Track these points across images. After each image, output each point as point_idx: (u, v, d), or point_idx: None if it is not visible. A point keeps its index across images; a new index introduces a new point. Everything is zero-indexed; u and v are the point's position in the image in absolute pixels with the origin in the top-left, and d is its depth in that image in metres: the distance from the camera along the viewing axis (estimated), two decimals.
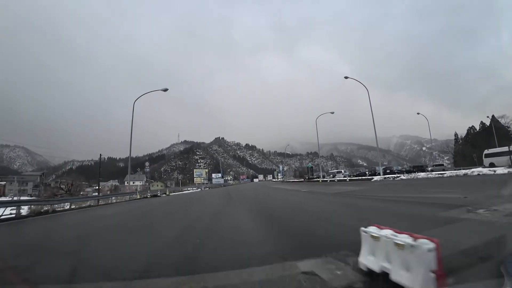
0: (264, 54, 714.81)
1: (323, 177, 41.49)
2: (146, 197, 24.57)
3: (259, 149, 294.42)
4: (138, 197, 23.77)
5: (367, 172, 40.73)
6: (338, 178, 33.50)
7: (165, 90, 25.85)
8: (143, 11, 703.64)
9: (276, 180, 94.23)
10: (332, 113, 35.78)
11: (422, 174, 19.77)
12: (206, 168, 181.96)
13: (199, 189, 41.06)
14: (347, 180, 29.31)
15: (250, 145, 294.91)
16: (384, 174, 25.16)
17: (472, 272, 1.86)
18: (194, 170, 54.78)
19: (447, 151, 54.06)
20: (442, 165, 36.86)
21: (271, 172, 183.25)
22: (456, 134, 61.61)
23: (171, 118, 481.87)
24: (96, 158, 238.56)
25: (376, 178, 22.92)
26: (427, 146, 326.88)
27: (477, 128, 57.11)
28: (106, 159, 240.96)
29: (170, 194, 30.13)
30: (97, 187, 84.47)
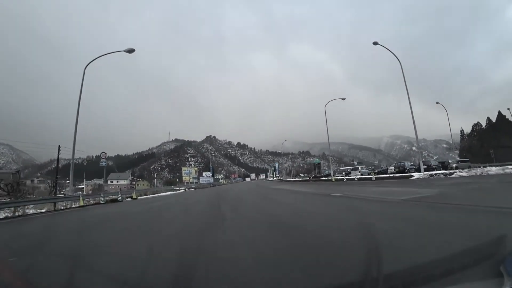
0: (254, 52, 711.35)
1: (331, 174, 35.58)
2: (99, 203, 17.11)
3: (251, 148, 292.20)
4: (82, 203, 15.50)
5: (389, 169, 35.89)
6: (356, 177, 27.04)
7: (130, 51, 20.03)
8: (127, 5, 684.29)
9: (272, 179, 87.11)
10: (343, 99, 31.88)
11: (494, 169, 15.49)
12: (197, 167, 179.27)
13: (182, 190, 34.25)
14: (373, 178, 22.94)
15: (241, 143, 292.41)
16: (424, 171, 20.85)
17: (471, 271, 1.78)
18: (183, 168, 51.27)
19: (454, 148, 53.33)
20: (468, 160, 31.96)
21: (263, 171, 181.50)
22: (462, 131, 60.21)
23: (161, 116, 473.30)
24: (85, 156, 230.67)
25: (416, 175, 18.63)
26: (417, 146, 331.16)
27: (483, 124, 56.02)
28: (94, 157, 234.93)
29: (138, 197, 22.63)
30: (79, 186, 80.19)
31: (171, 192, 30.53)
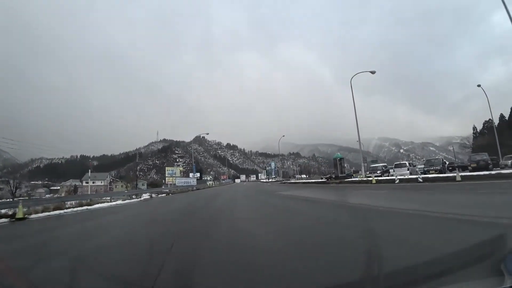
0: (243, 52, 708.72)
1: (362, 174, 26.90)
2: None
3: (241, 149, 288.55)
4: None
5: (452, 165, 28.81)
6: (399, 177, 18.14)
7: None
8: (113, 2, 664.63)
9: (267, 180, 77.75)
10: (373, 72, 25.81)
11: None
12: (184, 168, 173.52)
13: (145, 197, 23.53)
14: (458, 178, 13.69)
15: (231, 144, 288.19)
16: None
17: (472, 270, 1.79)
18: (166, 168, 46.45)
19: (467, 146, 51.78)
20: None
21: (253, 172, 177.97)
22: (474, 128, 58.34)
23: (150, 115, 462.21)
24: (68, 155, 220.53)
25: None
26: (404, 148, 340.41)
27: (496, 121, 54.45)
28: (78, 157, 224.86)
29: (30, 217, 11.08)
30: (55, 187, 74.04)
31: (117, 203, 18.37)
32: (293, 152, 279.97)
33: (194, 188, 37.18)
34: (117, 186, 53.79)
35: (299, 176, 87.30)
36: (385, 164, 32.87)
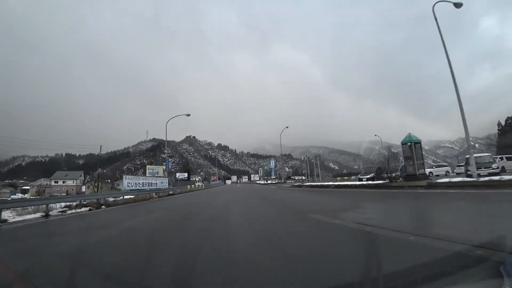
0: (235, 51, 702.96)
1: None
2: None
3: (232, 150, 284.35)
4: None
5: None
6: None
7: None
8: None
9: (264, 182, 60.46)
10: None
11: None
12: (175, 167, 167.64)
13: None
14: None
15: (222, 145, 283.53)
16: None
17: (471, 272, 1.81)
18: (147, 167, 40.88)
19: (492, 143, 49.02)
20: None
21: (244, 173, 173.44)
22: (499, 124, 55.49)
23: (139, 114, 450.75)
24: (53, 154, 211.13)
25: None
26: (395, 151, 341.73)
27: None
28: (63, 155, 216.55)
29: None
30: (25, 187, 67.98)
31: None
32: (285, 154, 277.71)
33: (168, 193, 25.79)
34: (89, 187, 48.28)
35: (299, 177, 70.72)
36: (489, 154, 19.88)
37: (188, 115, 31.56)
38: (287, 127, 47.33)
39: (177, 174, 71.21)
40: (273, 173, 72.44)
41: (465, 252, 2.34)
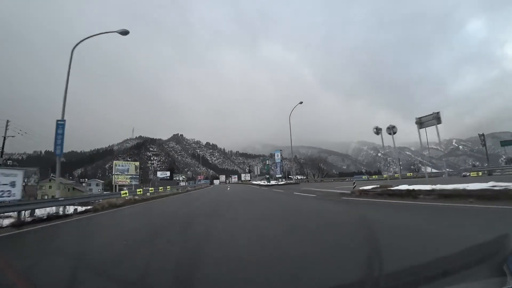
0: (225, 48, 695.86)
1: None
2: None
3: (220, 149, 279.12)
4: None
5: None
6: None
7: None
8: None
9: (266, 183, 38.95)
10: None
11: None
12: (160, 166, 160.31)
13: None
14: None
15: (211, 143, 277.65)
16: None
17: (474, 271, 1.75)
18: (114, 162, 33.77)
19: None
20: None
21: (233, 173, 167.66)
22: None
23: (126, 112, 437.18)
24: (31, 151, 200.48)
25: None
26: (382, 152, 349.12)
27: None
28: (42, 152, 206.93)
29: None
30: None
31: None
32: (274, 153, 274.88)
33: (99, 200, 16.03)
34: (44, 187, 42.22)
35: (297, 177, 57.86)
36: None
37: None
38: (301, 103, 33.19)
39: (158, 173, 66.10)
40: (278, 170, 50.61)
41: (468, 251, 2.30)
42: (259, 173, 67.61)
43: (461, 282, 1.59)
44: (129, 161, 34.73)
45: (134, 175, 29.99)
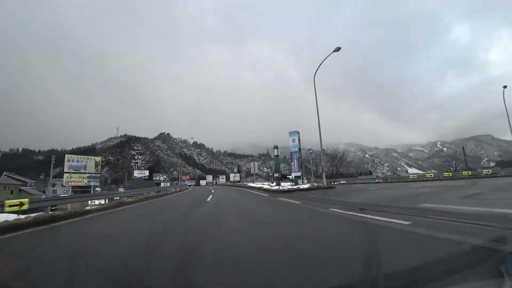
0: (211, 45, 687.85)
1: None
2: None
3: (208, 148, 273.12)
4: None
5: None
6: None
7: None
8: None
9: (269, 185, 25.31)
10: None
11: None
12: (145, 165, 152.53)
13: None
14: None
15: (198, 143, 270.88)
16: None
17: (472, 272, 1.78)
18: (66, 156, 26.72)
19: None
20: None
21: (221, 173, 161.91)
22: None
23: (109, 110, 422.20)
24: (7, 149, 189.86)
25: None
26: (369, 153, 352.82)
27: None
28: (19, 150, 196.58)
29: None
30: None
31: None
32: (263, 154, 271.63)
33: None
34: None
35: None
36: None
37: None
38: (338, 49, 17.58)
39: (135, 172, 60.32)
40: (296, 164, 27.03)
41: (465, 252, 2.30)
42: (256, 171, 45.63)
43: (459, 283, 1.57)
44: (87, 156, 28.78)
45: (94, 173, 24.69)
